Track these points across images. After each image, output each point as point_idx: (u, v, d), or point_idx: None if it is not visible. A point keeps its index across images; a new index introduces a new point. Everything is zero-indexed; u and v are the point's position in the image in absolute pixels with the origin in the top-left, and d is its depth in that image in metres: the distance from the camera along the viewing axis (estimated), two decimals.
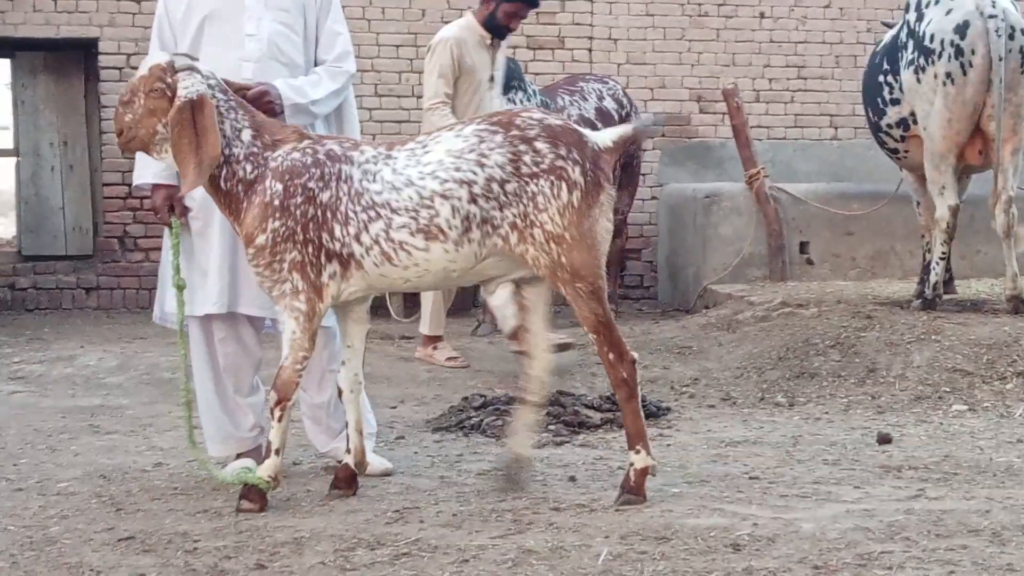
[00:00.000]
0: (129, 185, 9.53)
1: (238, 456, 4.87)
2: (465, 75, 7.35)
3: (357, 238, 4.28)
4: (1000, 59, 7.11)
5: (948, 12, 7.29)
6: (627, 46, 11.03)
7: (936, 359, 6.59)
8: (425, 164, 4.28)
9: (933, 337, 6.79)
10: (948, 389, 6.35)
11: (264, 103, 4.54)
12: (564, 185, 4.23)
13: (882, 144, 8.01)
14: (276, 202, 4.28)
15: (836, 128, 11.40)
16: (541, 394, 4.59)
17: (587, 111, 8.83)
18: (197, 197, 4.59)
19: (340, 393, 4.55)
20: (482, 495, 4.49)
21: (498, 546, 3.83)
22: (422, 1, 10.71)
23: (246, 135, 4.36)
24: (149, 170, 4.70)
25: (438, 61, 7.34)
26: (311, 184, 4.29)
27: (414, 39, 10.65)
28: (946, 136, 7.31)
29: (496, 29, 7.43)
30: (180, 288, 4.61)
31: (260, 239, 4.28)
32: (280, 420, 4.33)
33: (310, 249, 4.28)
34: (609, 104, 9.01)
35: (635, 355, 4.35)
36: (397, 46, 10.67)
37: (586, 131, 4.42)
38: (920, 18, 7.44)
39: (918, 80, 7.39)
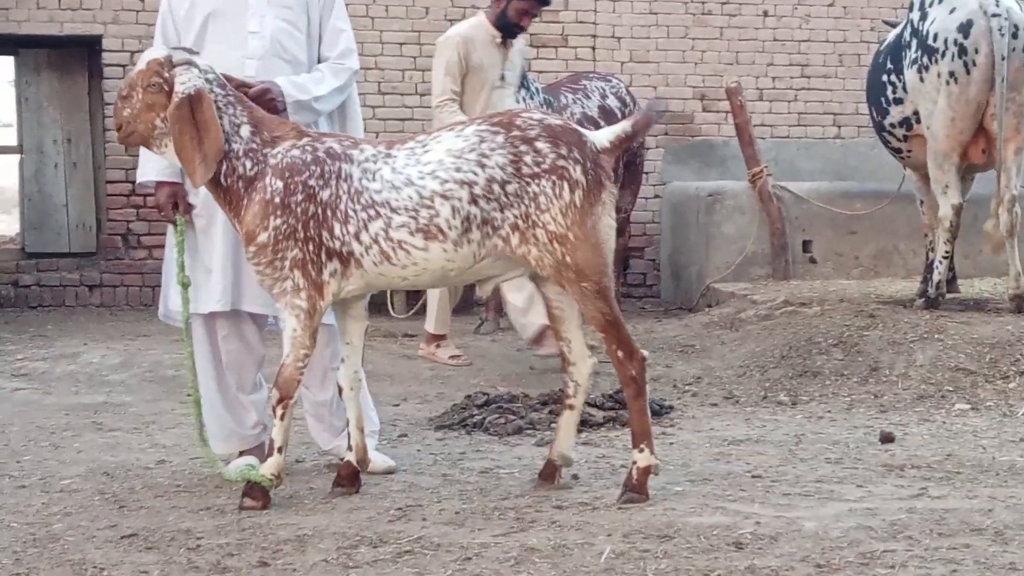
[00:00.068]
0: (133, 182, 9.51)
1: (241, 453, 4.88)
2: (473, 73, 7.33)
3: (357, 237, 4.28)
4: (1003, 58, 7.10)
5: (952, 11, 7.28)
6: (631, 44, 11.03)
7: (939, 358, 6.58)
8: (425, 164, 4.28)
9: (936, 336, 6.79)
10: (951, 388, 6.35)
11: (266, 100, 4.54)
12: (566, 185, 4.23)
13: (886, 143, 8.00)
14: (277, 200, 4.28)
15: (839, 127, 11.39)
16: (583, 399, 4.59)
17: (590, 109, 8.82)
18: (201, 194, 4.60)
19: (340, 391, 4.55)
20: (485, 493, 4.49)
21: (501, 544, 3.83)
22: None
23: (245, 131, 4.36)
24: (153, 167, 4.70)
25: (444, 58, 7.33)
26: (311, 182, 4.29)
27: (417, 37, 10.65)
28: (949, 135, 7.31)
29: (507, 27, 7.39)
30: (185, 285, 4.61)
31: (261, 237, 4.28)
32: (282, 418, 4.34)
33: (311, 247, 4.28)
34: (612, 102, 9.00)
35: (645, 353, 4.36)
36: (401, 44, 10.67)
37: (586, 130, 4.42)
38: (924, 17, 7.44)
39: (921, 79, 7.38)
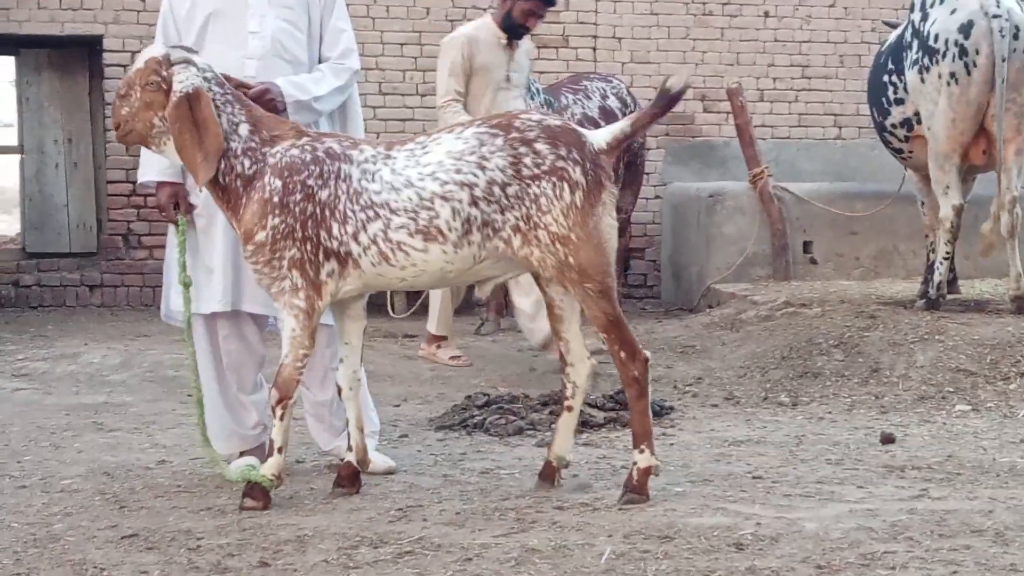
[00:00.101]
0: (133, 182, 9.54)
1: (241, 454, 4.88)
2: (478, 74, 7.31)
3: (355, 237, 4.27)
4: (1003, 60, 7.10)
5: (952, 12, 7.28)
6: (631, 45, 11.03)
7: (940, 359, 6.58)
8: (425, 165, 4.28)
9: (937, 337, 6.79)
10: (951, 389, 6.35)
11: (266, 101, 4.53)
12: (566, 186, 4.23)
13: (887, 144, 8.00)
14: (276, 199, 4.28)
15: (840, 128, 11.39)
16: (581, 400, 4.59)
17: (591, 110, 8.82)
18: (202, 194, 4.60)
19: (339, 391, 4.55)
20: (485, 493, 4.49)
21: (501, 545, 3.83)
22: None
23: (243, 129, 4.36)
24: (154, 168, 4.70)
25: (449, 59, 7.33)
26: (310, 181, 4.29)
27: (418, 37, 10.65)
28: (950, 136, 7.30)
29: (512, 28, 7.37)
30: (187, 285, 4.61)
31: (259, 236, 4.28)
32: (282, 418, 4.34)
33: (308, 247, 4.27)
34: (613, 103, 9.00)
35: (647, 354, 4.36)
36: (401, 44, 10.67)
37: (585, 130, 4.42)
38: (924, 18, 7.44)
39: (922, 80, 7.38)
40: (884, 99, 7.79)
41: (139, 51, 4.53)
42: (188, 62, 4.32)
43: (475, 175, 4.24)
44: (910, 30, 7.55)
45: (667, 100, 4.34)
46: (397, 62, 10.66)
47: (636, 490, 4.32)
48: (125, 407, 6.37)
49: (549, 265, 4.26)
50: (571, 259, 4.23)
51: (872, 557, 3.69)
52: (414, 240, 4.25)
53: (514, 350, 7.99)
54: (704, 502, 4.33)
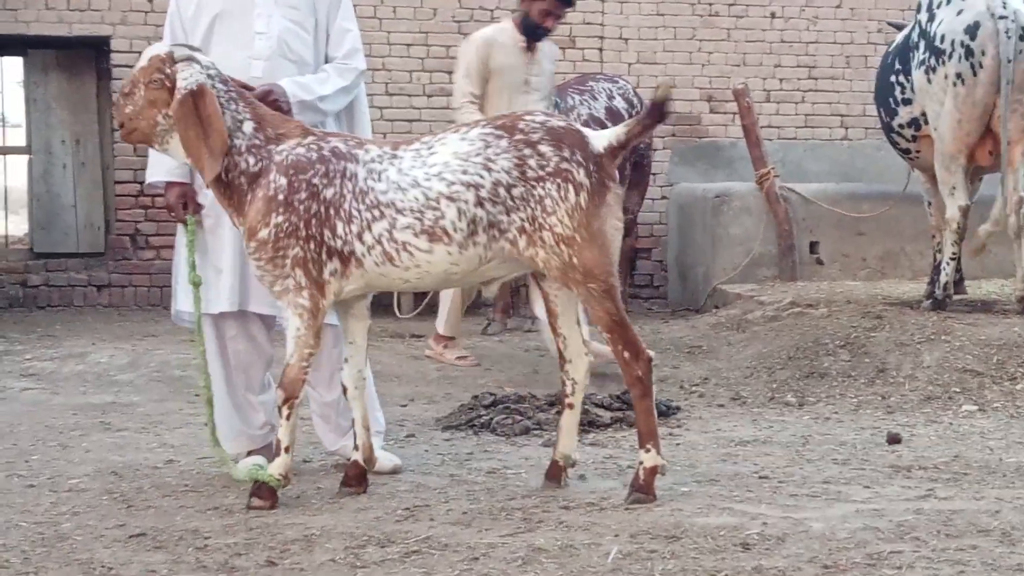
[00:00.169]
0: (141, 183, 9.56)
1: (249, 453, 4.89)
2: (495, 76, 7.28)
3: (359, 236, 4.28)
4: (1009, 61, 7.10)
5: (959, 12, 7.28)
6: (638, 45, 11.03)
7: (946, 359, 6.58)
8: (431, 165, 4.28)
9: (943, 337, 6.79)
10: (958, 389, 6.35)
11: (270, 102, 4.53)
12: (571, 187, 4.24)
13: (894, 144, 8.00)
14: (280, 197, 4.28)
15: (847, 128, 11.39)
16: (582, 396, 4.59)
17: (597, 111, 8.82)
18: (210, 194, 4.60)
19: (345, 390, 4.55)
20: (492, 493, 4.50)
21: (508, 544, 3.83)
22: (433, 0, 10.70)
23: (247, 127, 4.36)
24: (163, 168, 4.71)
25: (465, 61, 7.31)
26: (315, 180, 4.29)
27: (425, 38, 10.66)
28: (956, 137, 7.30)
29: (531, 30, 7.31)
30: (196, 285, 4.62)
31: (262, 233, 4.29)
32: (288, 418, 4.34)
33: (312, 245, 4.27)
34: (619, 104, 9.00)
35: (651, 354, 4.36)
36: (408, 45, 10.67)
37: (589, 131, 4.42)
38: (931, 18, 7.44)
39: (929, 80, 7.38)
40: (891, 99, 7.79)
41: None
42: (192, 59, 4.32)
43: (481, 176, 4.24)
44: (917, 30, 7.55)
45: (655, 112, 4.34)
46: (404, 63, 10.66)
47: (643, 490, 4.32)
48: (133, 407, 6.38)
49: (554, 266, 4.26)
50: (575, 260, 4.23)
51: (878, 557, 3.69)
52: (419, 240, 4.25)
53: (520, 350, 7.99)
54: (710, 502, 4.33)
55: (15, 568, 3.68)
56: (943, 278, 7.53)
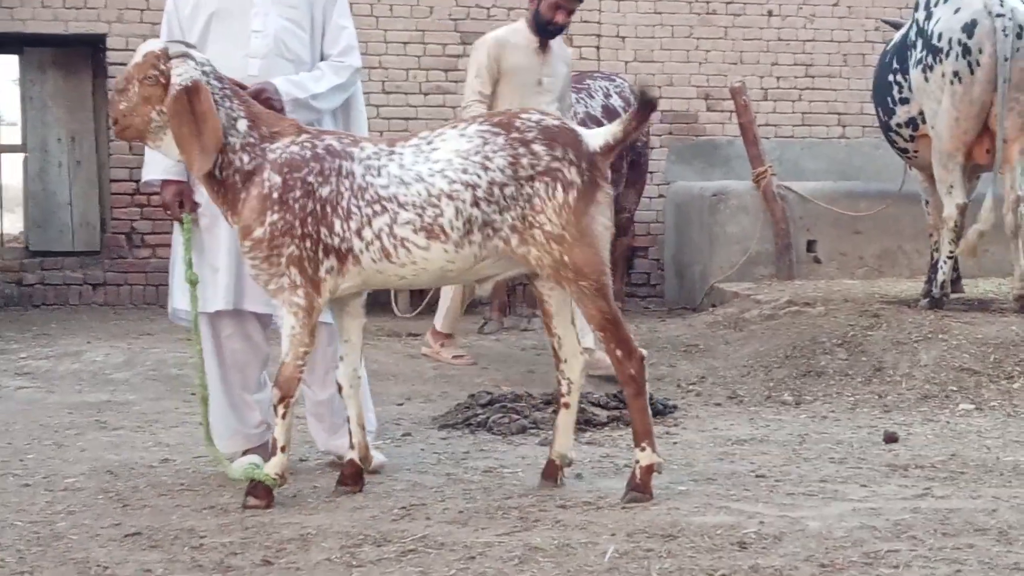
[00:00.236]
0: (137, 181, 9.55)
1: (245, 452, 4.88)
2: (507, 76, 7.23)
3: (358, 233, 4.27)
4: (1006, 59, 7.10)
5: (956, 11, 7.28)
6: (635, 44, 11.03)
7: (943, 358, 6.58)
8: (434, 162, 4.28)
9: (940, 336, 6.79)
10: (955, 388, 6.35)
11: (263, 100, 4.52)
12: (559, 185, 4.23)
13: (892, 143, 8.00)
14: (275, 195, 4.27)
15: (844, 127, 11.39)
16: (578, 396, 4.59)
17: (594, 109, 8.81)
18: (206, 193, 4.59)
19: (340, 389, 4.55)
20: (488, 492, 4.49)
21: (504, 543, 3.83)
22: None
23: (242, 124, 4.35)
24: (159, 166, 4.70)
25: (475, 60, 7.29)
26: (311, 178, 4.28)
27: (422, 36, 10.65)
28: (953, 135, 7.30)
29: (542, 27, 7.23)
30: (193, 283, 4.61)
31: (257, 232, 4.27)
32: (284, 417, 4.33)
33: (308, 244, 4.26)
34: (616, 102, 8.99)
35: (644, 352, 4.35)
36: (405, 43, 10.67)
37: (584, 130, 4.42)
38: (929, 17, 7.43)
39: (926, 79, 7.38)
40: (889, 98, 7.79)
41: None
42: (187, 56, 4.31)
43: (479, 175, 4.24)
44: (914, 29, 7.55)
45: (645, 106, 4.33)
46: (400, 61, 10.66)
47: (639, 488, 4.31)
48: (128, 405, 6.37)
49: (546, 264, 4.26)
50: (566, 258, 4.23)
51: (875, 556, 3.68)
52: (417, 237, 4.25)
53: (517, 349, 7.99)
54: (707, 501, 4.32)
55: (10, 567, 3.67)
56: (940, 277, 7.53)
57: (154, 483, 4.70)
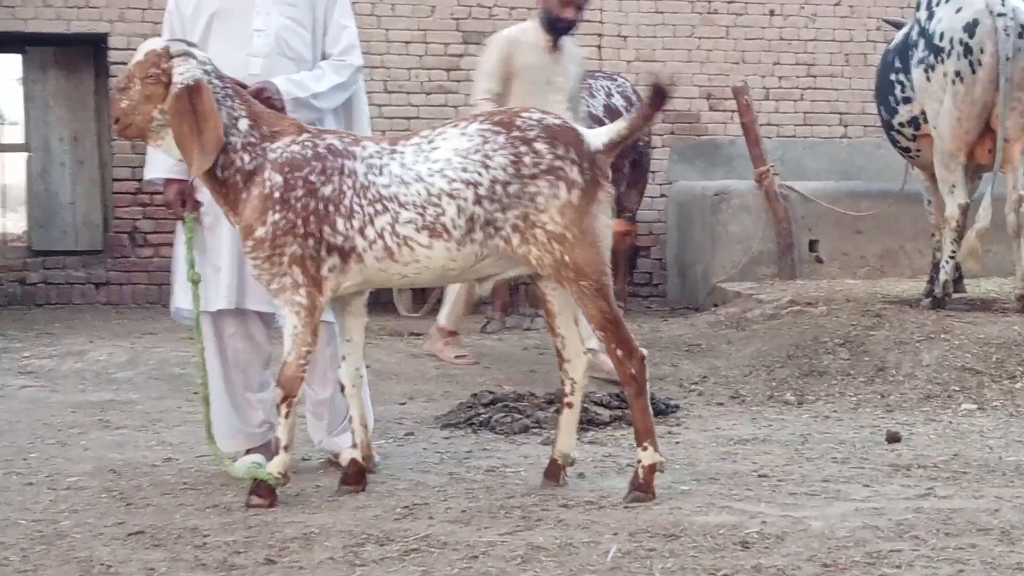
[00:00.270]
0: (139, 180, 9.54)
1: (247, 451, 4.88)
2: (517, 75, 7.19)
3: (361, 231, 4.27)
4: (1007, 58, 7.10)
5: (958, 10, 7.28)
6: (637, 43, 11.03)
7: (945, 358, 6.58)
8: (434, 161, 4.28)
9: (942, 336, 6.79)
10: (957, 388, 6.35)
11: (263, 99, 4.52)
12: (562, 184, 4.24)
13: (894, 143, 8.00)
14: (276, 195, 4.27)
15: (846, 126, 11.39)
16: (581, 396, 4.59)
17: (596, 108, 8.81)
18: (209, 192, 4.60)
19: (342, 388, 4.55)
20: (491, 491, 4.49)
21: (507, 542, 3.83)
22: None
23: (243, 124, 4.35)
24: (161, 165, 4.71)
25: (486, 59, 7.27)
26: (312, 177, 4.28)
27: (424, 35, 10.66)
28: (955, 135, 7.30)
29: (552, 24, 7.18)
30: (195, 282, 4.62)
31: (259, 231, 4.28)
32: (287, 416, 4.33)
33: (310, 243, 4.27)
34: (618, 101, 8.99)
35: (644, 351, 4.35)
36: (407, 42, 10.68)
37: (586, 129, 4.42)
38: (930, 16, 7.43)
39: (928, 78, 7.38)
40: (892, 98, 7.79)
41: None
42: (188, 55, 4.31)
43: (479, 174, 4.24)
44: (916, 29, 7.55)
45: (657, 97, 4.33)
46: (402, 60, 10.67)
47: (642, 488, 4.31)
48: (131, 405, 6.38)
49: (546, 263, 4.26)
50: (567, 257, 4.23)
51: (878, 556, 3.68)
52: (420, 235, 4.25)
53: (519, 349, 7.99)
54: (710, 500, 4.32)
55: (14, 566, 3.67)
56: (942, 276, 7.53)
57: (157, 482, 4.70)
